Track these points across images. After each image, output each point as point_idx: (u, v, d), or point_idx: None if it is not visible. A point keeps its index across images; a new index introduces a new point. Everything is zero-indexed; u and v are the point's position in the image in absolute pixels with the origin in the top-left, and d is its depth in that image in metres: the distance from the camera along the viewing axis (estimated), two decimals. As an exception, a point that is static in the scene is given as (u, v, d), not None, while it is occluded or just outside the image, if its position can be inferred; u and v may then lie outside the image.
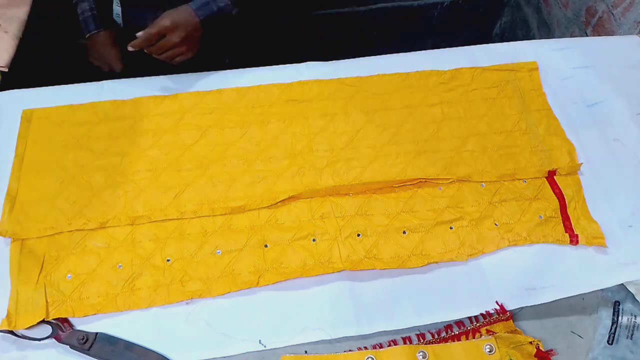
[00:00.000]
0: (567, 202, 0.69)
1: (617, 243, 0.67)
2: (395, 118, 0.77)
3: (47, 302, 0.59)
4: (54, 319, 0.58)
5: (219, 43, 0.93)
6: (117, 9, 0.91)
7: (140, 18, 0.85)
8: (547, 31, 1.59)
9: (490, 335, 0.59)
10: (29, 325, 0.57)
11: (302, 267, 0.63)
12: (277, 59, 0.89)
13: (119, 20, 0.92)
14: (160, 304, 0.60)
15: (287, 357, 0.57)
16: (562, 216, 0.68)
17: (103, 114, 0.76)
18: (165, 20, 0.77)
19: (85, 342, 0.56)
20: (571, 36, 1.41)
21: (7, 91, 0.79)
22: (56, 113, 0.75)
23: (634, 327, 0.61)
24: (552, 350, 0.59)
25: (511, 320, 0.60)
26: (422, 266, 0.64)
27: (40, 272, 0.61)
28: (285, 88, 0.80)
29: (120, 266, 0.62)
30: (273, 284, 0.62)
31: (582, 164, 0.73)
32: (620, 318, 0.61)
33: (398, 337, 0.59)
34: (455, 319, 0.61)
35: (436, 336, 0.60)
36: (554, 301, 0.61)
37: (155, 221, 0.66)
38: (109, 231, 0.65)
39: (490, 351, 0.57)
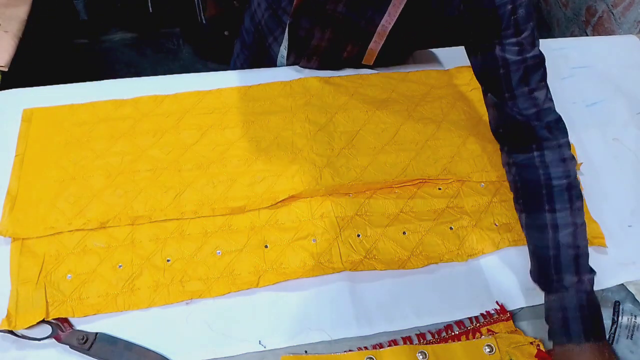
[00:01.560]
0: (567, 202, 0.69)
1: (617, 243, 0.67)
2: (395, 118, 0.77)
3: (47, 302, 0.59)
4: (54, 319, 0.58)
5: None
6: (283, 52, 0.83)
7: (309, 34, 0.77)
8: (547, 30, 1.59)
9: (490, 335, 0.59)
10: (29, 325, 0.57)
11: (302, 268, 0.63)
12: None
13: (283, 61, 0.85)
14: (160, 304, 0.60)
15: (287, 357, 0.57)
16: (562, 216, 0.68)
17: (103, 113, 0.75)
18: None
19: (85, 342, 0.56)
20: (571, 36, 1.41)
21: (7, 91, 0.79)
22: (56, 113, 0.75)
23: (634, 327, 0.61)
24: (552, 350, 0.59)
25: (511, 320, 0.60)
26: (422, 267, 0.64)
27: (40, 272, 0.61)
28: (285, 87, 0.80)
29: (120, 266, 0.62)
30: (273, 284, 0.62)
31: (582, 163, 0.73)
32: (620, 318, 0.61)
33: (398, 337, 0.59)
34: (455, 319, 0.61)
35: (436, 336, 0.59)
36: (554, 301, 0.61)
37: (155, 221, 0.66)
38: (109, 231, 0.65)
39: (490, 351, 0.57)
